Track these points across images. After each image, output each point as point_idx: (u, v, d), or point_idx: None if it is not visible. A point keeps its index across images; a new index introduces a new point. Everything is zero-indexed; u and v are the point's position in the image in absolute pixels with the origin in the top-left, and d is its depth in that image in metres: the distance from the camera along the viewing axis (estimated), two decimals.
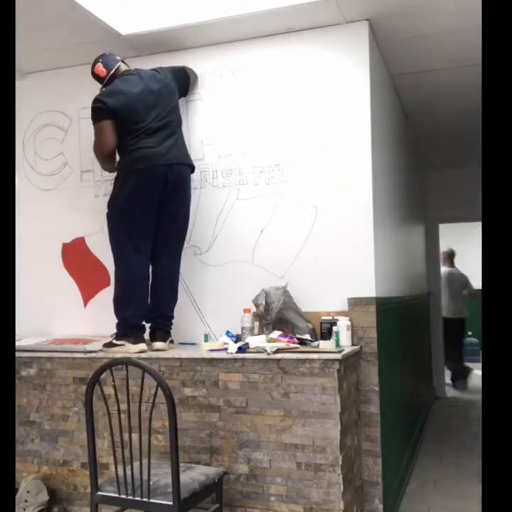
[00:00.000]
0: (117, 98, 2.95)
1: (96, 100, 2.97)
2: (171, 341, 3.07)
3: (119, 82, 3.03)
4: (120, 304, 2.97)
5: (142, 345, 2.90)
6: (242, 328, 2.92)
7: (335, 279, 3.03)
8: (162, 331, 3.02)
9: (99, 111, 2.96)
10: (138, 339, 2.92)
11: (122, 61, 3.14)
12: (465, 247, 9.59)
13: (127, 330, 2.93)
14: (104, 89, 3.05)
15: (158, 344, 2.94)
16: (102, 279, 3.39)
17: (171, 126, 3.04)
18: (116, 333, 2.96)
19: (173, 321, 3.10)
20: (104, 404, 2.27)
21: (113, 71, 3.07)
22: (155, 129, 2.97)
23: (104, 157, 3.05)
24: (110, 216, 3.02)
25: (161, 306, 3.05)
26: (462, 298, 7.39)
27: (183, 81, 3.25)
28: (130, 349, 2.86)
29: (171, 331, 3.10)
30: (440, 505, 3.53)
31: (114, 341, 2.93)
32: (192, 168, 3.13)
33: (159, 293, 3.04)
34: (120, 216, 2.97)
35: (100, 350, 2.93)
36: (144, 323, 3.02)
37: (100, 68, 3.07)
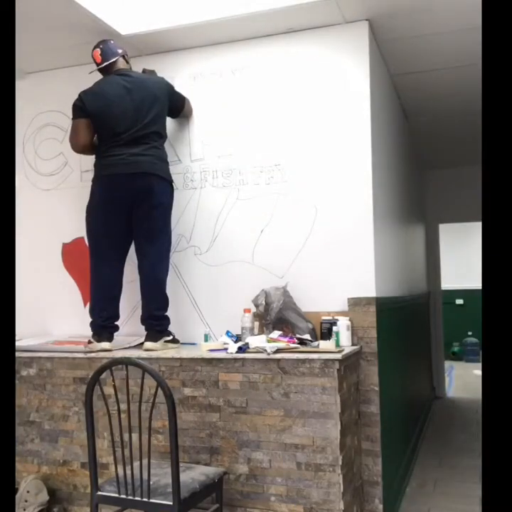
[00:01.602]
0: (97, 101, 3.00)
1: (78, 96, 3.04)
2: (173, 341, 3.08)
3: (105, 84, 3.05)
4: (90, 306, 3.08)
5: (104, 344, 2.97)
6: (242, 328, 2.92)
7: (335, 279, 3.03)
8: (153, 331, 3.02)
9: (77, 108, 3.04)
10: (103, 338, 2.99)
11: (123, 56, 3.13)
12: (465, 247, 9.63)
13: (94, 329, 3.03)
14: (90, 87, 3.08)
15: (147, 344, 2.97)
16: None
17: (148, 137, 3.01)
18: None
19: (169, 320, 3.09)
20: (104, 404, 2.27)
21: (108, 63, 3.07)
22: (128, 139, 2.97)
23: (77, 152, 3.16)
24: (85, 220, 3.11)
25: (147, 307, 3.06)
26: None
27: (177, 104, 3.24)
28: (93, 347, 2.96)
29: (170, 330, 3.10)
30: (440, 505, 3.53)
31: (90, 339, 3.02)
32: (161, 178, 3.04)
33: (144, 294, 3.07)
34: (88, 220, 3.09)
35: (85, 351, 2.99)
36: (115, 323, 3.07)
37: (97, 55, 3.08)
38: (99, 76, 3.14)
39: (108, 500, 2.30)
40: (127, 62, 3.17)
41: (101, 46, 3.08)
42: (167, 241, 3.13)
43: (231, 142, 3.28)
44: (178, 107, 3.26)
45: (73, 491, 2.93)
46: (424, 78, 3.98)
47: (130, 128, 2.98)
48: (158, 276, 3.07)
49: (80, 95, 3.04)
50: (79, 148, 3.10)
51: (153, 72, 3.29)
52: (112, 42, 3.11)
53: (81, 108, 3.02)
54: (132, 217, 3.02)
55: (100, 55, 3.07)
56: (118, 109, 2.98)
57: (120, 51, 3.11)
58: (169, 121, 3.28)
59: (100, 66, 3.09)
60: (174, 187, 3.29)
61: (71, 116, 3.09)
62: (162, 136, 3.12)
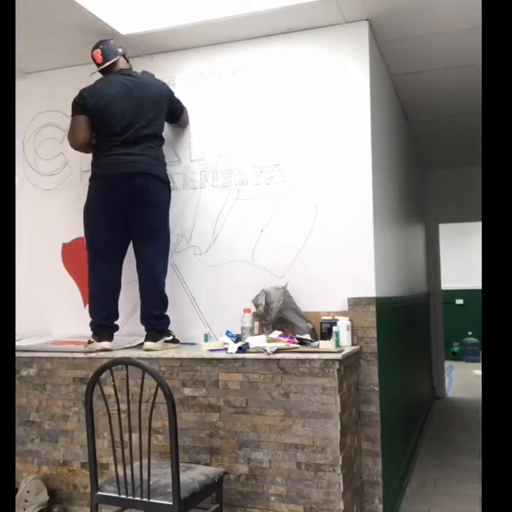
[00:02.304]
0: (97, 99, 3.00)
1: (79, 93, 3.05)
2: (173, 341, 3.08)
3: (106, 83, 3.05)
4: (89, 306, 3.09)
5: (105, 344, 2.97)
6: (242, 328, 2.92)
7: (335, 278, 3.03)
8: (152, 331, 3.03)
9: (77, 105, 3.04)
10: (103, 338, 2.99)
11: (123, 55, 3.13)
12: (465, 247, 9.63)
13: (94, 329, 3.03)
14: (91, 84, 3.08)
15: (147, 344, 2.98)
16: None
17: (146, 138, 3.01)
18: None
19: (169, 320, 3.10)
20: (104, 404, 2.27)
21: (109, 63, 3.07)
22: (126, 138, 2.97)
23: (75, 149, 3.13)
24: (83, 220, 3.10)
25: (146, 307, 3.06)
26: None
27: (175, 111, 3.24)
28: (93, 347, 2.96)
29: (170, 330, 3.10)
30: (440, 505, 3.53)
31: (90, 339, 3.03)
32: (157, 179, 3.05)
33: (143, 294, 3.07)
34: (85, 220, 3.08)
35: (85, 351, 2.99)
36: (115, 323, 3.08)
37: (98, 55, 3.08)
38: (99, 76, 3.14)
39: (108, 500, 2.30)
40: (127, 61, 3.17)
41: (101, 46, 3.08)
42: (165, 241, 3.13)
43: (231, 142, 3.28)
44: (175, 113, 3.25)
45: (73, 491, 2.93)
46: (424, 78, 3.98)
47: (128, 128, 2.98)
48: (156, 276, 3.07)
49: (80, 92, 3.05)
50: (77, 145, 3.09)
51: (152, 76, 3.29)
52: (111, 41, 3.10)
53: (81, 105, 3.02)
54: (130, 217, 3.02)
55: (101, 55, 3.07)
56: (117, 108, 2.98)
57: (120, 50, 3.11)
58: None
59: (102, 67, 3.09)
60: (174, 187, 3.30)
61: (70, 113, 3.08)
62: (160, 137, 3.12)
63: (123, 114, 2.98)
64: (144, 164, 2.99)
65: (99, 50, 3.08)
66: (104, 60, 3.08)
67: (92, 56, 3.11)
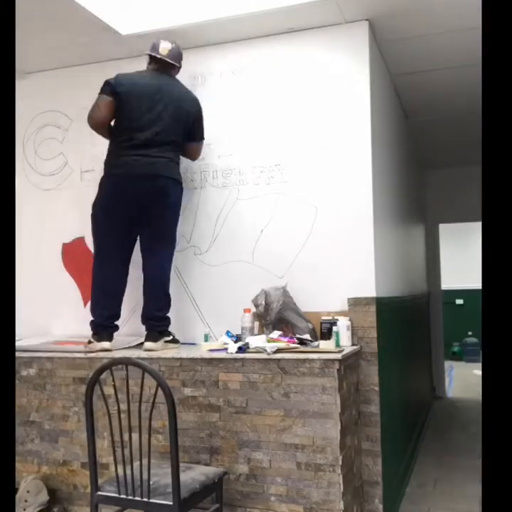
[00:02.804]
0: (128, 86, 2.95)
1: (115, 76, 2.99)
2: (173, 341, 3.08)
3: (145, 78, 3.03)
4: (91, 305, 3.07)
5: (104, 344, 2.96)
6: (242, 328, 2.92)
7: (335, 279, 3.03)
8: (153, 331, 3.02)
9: (107, 84, 2.97)
10: (103, 338, 2.98)
11: (177, 69, 3.12)
12: (465, 247, 9.63)
13: (95, 329, 3.02)
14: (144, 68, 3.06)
15: (147, 344, 2.98)
16: None
17: (164, 142, 2.98)
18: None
19: (170, 321, 3.10)
20: (104, 404, 2.27)
21: (166, 62, 3.04)
22: (144, 140, 2.94)
23: (92, 127, 3.06)
24: (91, 217, 3.08)
25: (149, 307, 3.06)
26: None
27: (195, 133, 3.15)
28: (93, 347, 2.96)
29: (170, 330, 3.10)
30: (440, 505, 3.53)
31: (90, 339, 3.02)
32: (175, 181, 3.05)
33: (147, 294, 3.06)
34: (94, 219, 3.06)
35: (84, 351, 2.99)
36: (115, 323, 3.06)
37: (166, 47, 3.03)
38: (106, 75, 3.07)
39: (108, 500, 2.30)
40: (178, 72, 3.16)
41: (173, 45, 3.05)
42: (173, 243, 3.13)
43: (231, 142, 3.28)
44: (194, 135, 3.16)
45: (73, 491, 2.93)
46: (424, 78, 3.98)
47: (149, 128, 2.94)
48: (164, 277, 3.07)
49: (118, 75, 3.00)
50: (94, 123, 3.02)
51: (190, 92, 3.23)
52: (182, 49, 3.11)
53: (111, 85, 2.95)
54: (141, 218, 2.99)
55: (169, 50, 3.04)
56: (144, 104, 2.95)
57: (179, 64, 3.12)
58: None
59: (160, 57, 3.03)
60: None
61: (98, 92, 2.99)
62: (178, 145, 3.08)
63: (148, 112, 2.95)
64: (162, 166, 2.97)
65: (170, 45, 3.04)
66: (167, 56, 3.04)
67: (156, 44, 3.04)
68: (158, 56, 3.05)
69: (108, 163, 3.03)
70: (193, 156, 3.25)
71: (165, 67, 3.07)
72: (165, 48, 3.04)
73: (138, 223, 3.01)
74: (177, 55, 3.10)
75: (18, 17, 2.74)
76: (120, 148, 2.97)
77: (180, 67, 3.15)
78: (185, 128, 3.08)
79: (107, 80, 2.98)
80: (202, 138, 3.21)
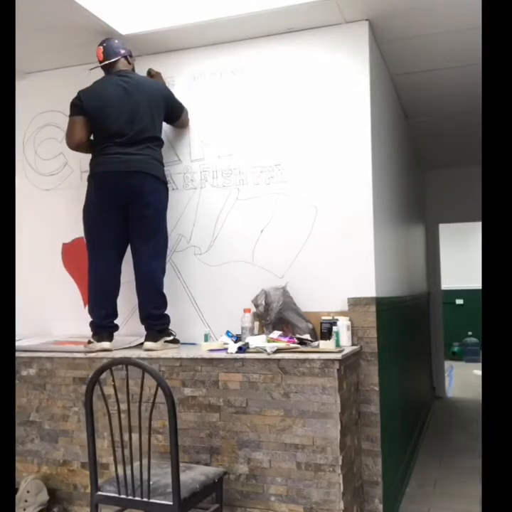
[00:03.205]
0: (94, 100, 3.01)
1: (77, 94, 3.06)
2: (173, 341, 3.09)
3: (104, 84, 3.06)
4: (89, 306, 3.09)
5: (104, 344, 2.96)
6: (242, 328, 2.92)
7: (335, 279, 3.03)
8: (152, 331, 3.02)
9: (74, 106, 3.06)
10: (103, 338, 2.99)
11: (126, 57, 3.13)
12: (465, 247, 9.64)
13: (94, 329, 3.03)
14: (88, 86, 3.09)
15: (147, 344, 2.98)
16: None
17: (144, 139, 3.00)
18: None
19: (169, 319, 3.10)
20: (104, 404, 2.27)
21: (108, 62, 3.08)
22: (123, 141, 2.97)
23: (72, 149, 3.16)
24: (82, 219, 3.11)
25: (143, 306, 3.06)
26: None
27: (174, 111, 3.23)
28: (93, 347, 2.96)
29: (171, 330, 3.10)
30: (440, 505, 3.53)
31: (90, 339, 3.03)
32: (154, 178, 3.03)
33: (141, 295, 3.07)
34: (84, 220, 3.09)
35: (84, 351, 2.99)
36: (114, 322, 3.07)
37: (100, 52, 3.10)
38: (100, 75, 3.14)
39: (108, 500, 2.30)
40: (129, 63, 3.16)
41: (104, 44, 3.09)
42: (162, 241, 3.11)
43: (231, 142, 3.28)
44: (175, 114, 3.25)
45: (73, 491, 2.93)
46: (424, 78, 3.98)
47: (125, 130, 2.97)
48: (153, 275, 3.06)
49: (78, 93, 3.06)
50: (73, 145, 3.11)
51: (158, 73, 3.30)
52: (116, 41, 3.11)
53: (78, 106, 3.03)
54: (127, 216, 3.02)
55: (102, 53, 3.09)
56: (114, 110, 2.99)
57: (123, 52, 3.11)
58: None
59: (100, 64, 3.10)
60: (174, 187, 3.29)
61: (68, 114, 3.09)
62: (158, 139, 3.11)
63: (120, 116, 2.98)
64: (139, 163, 2.98)
65: (101, 47, 3.09)
66: (104, 59, 3.09)
67: (96, 52, 3.11)
68: (99, 65, 3.11)
69: (90, 164, 3.09)
70: (184, 125, 3.36)
71: (113, 67, 3.10)
72: (99, 54, 3.10)
73: (126, 222, 3.03)
74: (113, 50, 3.10)
75: (18, 17, 2.75)
76: (100, 150, 3.03)
77: (127, 56, 3.14)
78: (167, 111, 3.16)
79: (72, 101, 3.06)
80: (182, 110, 3.28)
